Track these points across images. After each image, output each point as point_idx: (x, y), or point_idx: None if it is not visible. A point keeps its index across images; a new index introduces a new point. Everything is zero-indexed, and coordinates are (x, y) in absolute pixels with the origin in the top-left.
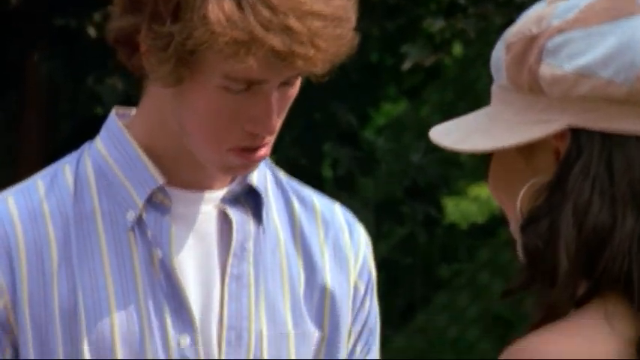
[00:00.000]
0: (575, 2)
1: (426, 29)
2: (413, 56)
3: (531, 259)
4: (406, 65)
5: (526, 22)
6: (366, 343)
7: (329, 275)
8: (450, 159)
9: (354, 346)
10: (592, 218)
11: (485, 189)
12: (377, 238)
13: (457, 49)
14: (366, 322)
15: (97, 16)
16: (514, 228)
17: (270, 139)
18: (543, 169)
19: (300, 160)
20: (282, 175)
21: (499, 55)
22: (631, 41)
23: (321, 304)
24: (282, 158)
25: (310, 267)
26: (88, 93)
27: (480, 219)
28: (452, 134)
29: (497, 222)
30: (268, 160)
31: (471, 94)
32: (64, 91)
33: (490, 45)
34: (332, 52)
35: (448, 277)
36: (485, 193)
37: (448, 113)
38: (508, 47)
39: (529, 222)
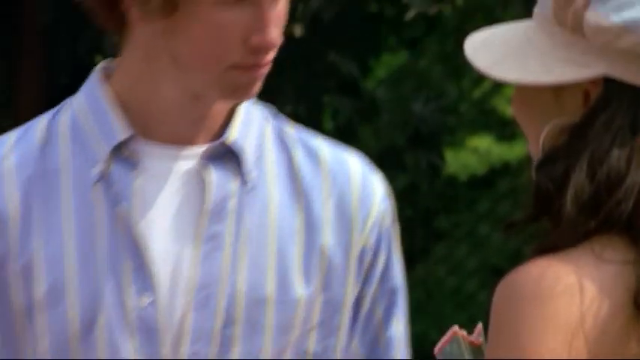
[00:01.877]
0: None
1: None
2: (416, 6)
3: (540, 198)
4: (410, 14)
5: None
6: (387, 306)
7: (329, 233)
8: (450, 108)
9: (371, 310)
10: (606, 168)
11: (484, 140)
12: None
13: None
14: (381, 282)
15: None
16: (534, 155)
17: (270, 57)
18: (570, 107)
19: (300, 110)
20: (290, 127)
21: None
22: None
23: (317, 266)
24: (282, 109)
25: (310, 225)
26: (87, 42)
27: (479, 170)
28: (487, 51)
29: (496, 173)
30: (272, 112)
31: None
32: (64, 41)
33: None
34: None
35: (447, 228)
36: (484, 145)
37: (448, 64)
38: None
39: (545, 162)
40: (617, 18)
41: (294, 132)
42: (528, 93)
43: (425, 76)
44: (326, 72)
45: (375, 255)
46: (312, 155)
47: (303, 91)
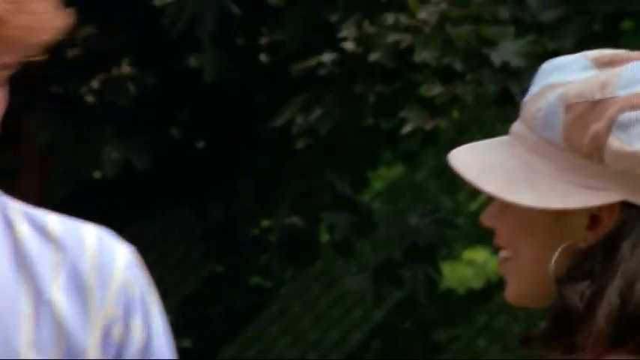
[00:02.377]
0: (637, 73)
1: (423, 94)
2: (413, 121)
3: (566, 317)
4: (406, 129)
5: (587, 85)
6: None
7: (62, 305)
8: (446, 221)
9: None
10: (638, 292)
11: (481, 253)
12: (376, 302)
13: (453, 112)
14: (141, 356)
15: (94, 83)
16: (522, 273)
17: None
18: (574, 230)
19: (297, 225)
20: (15, 201)
21: (554, 112)
22: None
23: (52, 340)
24: (279, 224)
25: (39, 299)
26: (86, 157)
27: (476, 284)
28: (485, 175)
29: (493, 287)
30: None
31: None
32: (62, 156)
33: (485, 110)
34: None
35: (446, 341)
36: (480, 258)
37: (444, 177)
38: (569, 107)
39: (567, 281)
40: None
41: (19, 207)
42: (526, 214)
43: (421, 189)
44: (322, 187)
45: (127, 327)
46: (40, 229)
47: (299, 207)
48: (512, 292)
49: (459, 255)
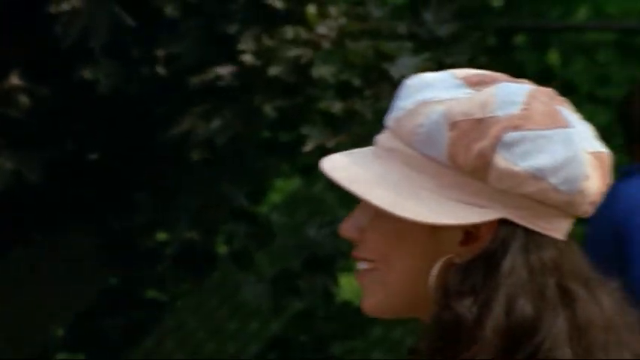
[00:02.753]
0: (509, 94)
1: (323, 110)
2: (314, 138)
3: (455, 329)
4: (308, 147)
5: (469, 103)
6: None
7: None
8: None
9: None
10: (520, 308)
11: None
12: (274, 313)
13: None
14: None
15: None
16: (390, 285)
17: None
18: (448, 245)
19: (193, 238)
20: None
21: (438, 129)
22: (577, 155)
23: None
24: (178, 239)
25: None
26: None
27: None
28: (371, 188)
29: None
30: None
31: None
32: None
33: (382, 123)
34: None
35: (341, 354)
36: None
37: (342, 190)
38: (453, 125)
39: (454, 294)
40: (524, 165)
41: None
42: (402, 227)
43: (319, 201)
44: (219, 200)
45: None
46: None
47: (197, 221)
48: (375, 303)
49: (355, 267)
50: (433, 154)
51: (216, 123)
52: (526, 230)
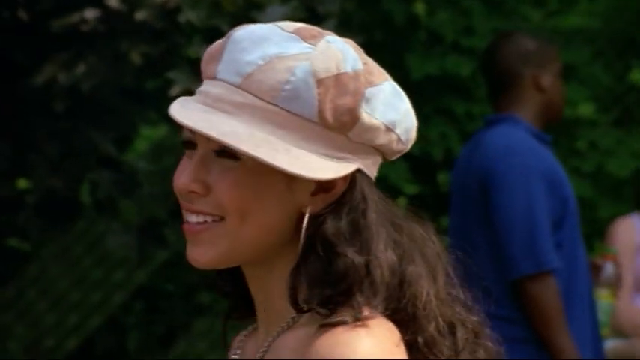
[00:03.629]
0: (346, 49)
1: (191, 56)
2: (181, 82)
3: (347, 277)
4: (174, 91)
5: (326, 59)
6: None
7: None
8: None
9: None
10: (390, 256)
11: None
12: (140, 262)
13: None
14: None
15: None
16: (240, 237)
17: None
18: (301, 195)
19: (57, 185)
20: None
21: (305, 87)
22: (410, 108)
23: None
24: (40, 186)
25: None
26: None
27: None
28: (246, 141)
29: None
30: None
31: None
32: None
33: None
34: None
35: (209, 303)
36: None
37: None
38: (319, 82)
39: (338, 245)
40: (382, 118)
41: None
42: (261, 181)
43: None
44: (84, 148)
45: None
46: None
47: (61, 168)
48: (215, 256)
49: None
50: (299, 110)
51: (80, 69)
52: (368, 179)
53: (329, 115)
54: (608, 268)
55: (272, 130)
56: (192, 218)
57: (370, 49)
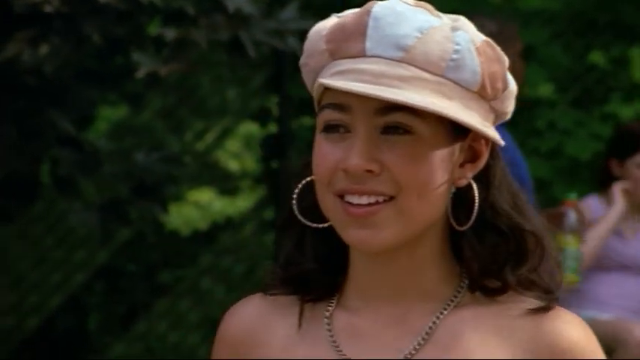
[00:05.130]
0: (464, 19)
1: (158, 38)
2: (146, 65)
3: (529, 242)
4: (140, 74)
5: (468, 28)
6: None
7: None
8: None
9: None
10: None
11: (206, 194)
12: (102, 241)
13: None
14: None
15: None
16: (411, 215)
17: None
18: (455, 166)
19: (17, 165)
20: None
21: (469, 56)
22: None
23: None
24: (0, 167)
25: None
26: None
27: (201, 225)
28: (461, 112)
29: (218, 228)
30: None
31: (192, 100)
32: None
33: (213, 55)
34: None
35: (170, 283)
36: (205, 199)
37: (170, 118)
38: (478, 50)
39: (519, 211)
40: (513, 86)
41: None
42: (433, 152)
43: (146, 129)
44: (44, 127)
45: None
46: None
47: (20, 148)
48: (394, 236)
49: (184, 196)
50: (463, 79)
51: (43, 50)
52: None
53: (487, 83)
54: (571, 216)
55: (442, 101)
56: (363, 200)
57: None
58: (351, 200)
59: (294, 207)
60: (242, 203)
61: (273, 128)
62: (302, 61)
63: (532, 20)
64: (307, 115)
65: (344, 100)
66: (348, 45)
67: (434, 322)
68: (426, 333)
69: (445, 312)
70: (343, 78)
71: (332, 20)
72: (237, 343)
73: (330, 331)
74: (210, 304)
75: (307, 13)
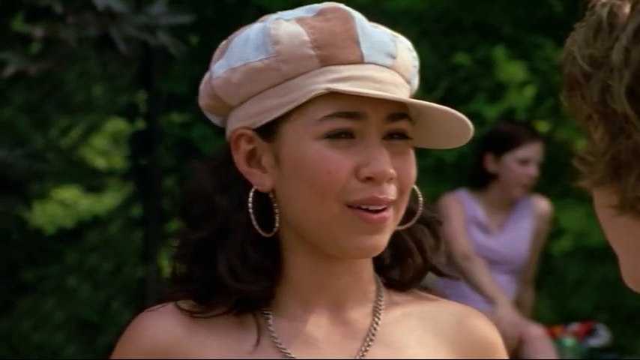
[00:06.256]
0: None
1: (21, 33)
2: (14, 63)
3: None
4: (7, 72)
5: None
6: None
7: None
8: (38, 155)
9: None
10: None
11: (72, 192)
12: None
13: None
14: None
15: None
16: (398, 218)
17: None
18: None
19: None
20: None
21: (415, 65)
22: None
23: None
24: None
25: None
26: None
27: (66, 222)
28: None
29: (84, 226)
30: None
31: (57, 95)
32: None
33: (80, 50)
34: None
35: (34, 281)
36: (71, 196)
37: (35, 114)
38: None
39: None
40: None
41: None
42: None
43: (9, 125)
44: None
45: None
46: None
47: None
48: (387, 240)
49: (49, 193)
50: (415, 84)
51: None
52: None
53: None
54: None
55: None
56: (383, 206)
57: (201, 27)
58: (372, 207)
59: (252, 217)
60: (109, 201)
61: (141, 124)
62: (271, 66)
63: (399, 20)
64: (176, 111)
65: (358, 108)
66: (342, 52)
67: (376, 322)
68: (372, 333)
69: (381, 311)
70: (352, 85)
71: (304, 24)
72: (161, 353)
73: (276, 338)
74: (75, 302)
75: (175, 9)
